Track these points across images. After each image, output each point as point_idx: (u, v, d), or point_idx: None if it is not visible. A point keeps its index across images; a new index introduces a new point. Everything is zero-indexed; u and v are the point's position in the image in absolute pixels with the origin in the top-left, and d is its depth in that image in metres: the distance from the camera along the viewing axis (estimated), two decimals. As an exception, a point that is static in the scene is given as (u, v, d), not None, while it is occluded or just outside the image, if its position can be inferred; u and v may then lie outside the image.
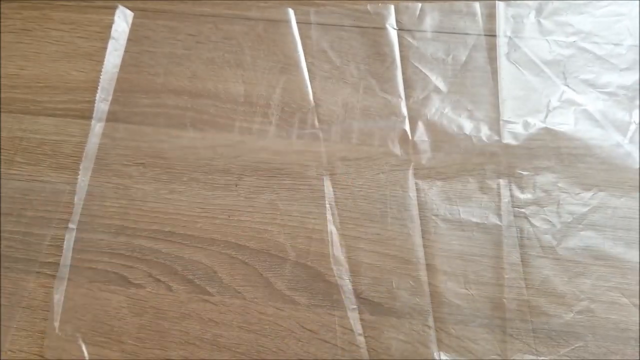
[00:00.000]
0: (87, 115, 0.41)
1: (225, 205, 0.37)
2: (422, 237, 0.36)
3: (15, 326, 0.33)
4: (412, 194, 0.37)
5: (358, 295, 0.34)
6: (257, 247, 0.36)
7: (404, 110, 0.39)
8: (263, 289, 0.35)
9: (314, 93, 0.41)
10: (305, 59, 0.43)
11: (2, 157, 0.39)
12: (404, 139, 0.39)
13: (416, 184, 0.37)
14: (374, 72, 0.42)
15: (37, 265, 0.35)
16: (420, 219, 0.36)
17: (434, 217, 0.36)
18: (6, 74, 0.43)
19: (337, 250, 0.35)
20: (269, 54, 0.43)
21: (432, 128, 0.39)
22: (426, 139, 0.39)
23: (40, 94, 0.42)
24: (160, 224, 0.36)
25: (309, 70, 0.43)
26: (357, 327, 0.33)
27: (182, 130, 0.40)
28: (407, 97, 0.40)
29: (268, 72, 0.43)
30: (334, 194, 0.37)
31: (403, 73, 0.41)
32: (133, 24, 0.45)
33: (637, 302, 0.34)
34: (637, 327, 0.33)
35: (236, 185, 0.38)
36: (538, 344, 0.33)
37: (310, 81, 0.42)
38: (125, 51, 0.44)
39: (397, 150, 0.38)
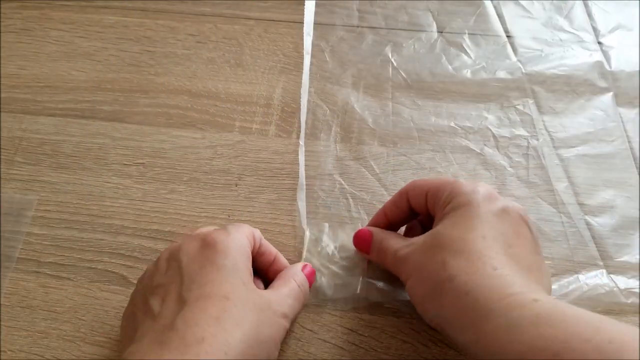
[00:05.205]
0: (87, 115, 0.41)
1: (225, 205, 0.37)
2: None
3: (15, 326, 0.33)
4: (617, 119, 0.39)
5: (358, 294, 0.34)
6: (257, 247, 0.36)
7: (595, 45, 0.42)
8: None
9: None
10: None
11: (2, 157, 0.39)
12: (601, 70, 0.41)
13: (619, 111, 0.39)
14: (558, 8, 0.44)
15: (37, 264, 0.35)
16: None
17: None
18: (6, 74, 0.43)
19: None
20: (269, 54, 0.43)
21: (627, 59, 0.42)
22: (624, 69, 0.41)
23: (40, 94, 0.42)
24: (160, 224, 0.36)
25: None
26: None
27: (182, 130, 0.40)
28: (595, 32, 0.43)
29: (268, 72, 0.43)
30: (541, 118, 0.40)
31: (585, 8, 0.44)
32: (132, 24, 0.45)
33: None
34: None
35: (236, 185, 0.38)
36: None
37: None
38: (125, 51, 0.44)
39: (597, 81, 0.41)
